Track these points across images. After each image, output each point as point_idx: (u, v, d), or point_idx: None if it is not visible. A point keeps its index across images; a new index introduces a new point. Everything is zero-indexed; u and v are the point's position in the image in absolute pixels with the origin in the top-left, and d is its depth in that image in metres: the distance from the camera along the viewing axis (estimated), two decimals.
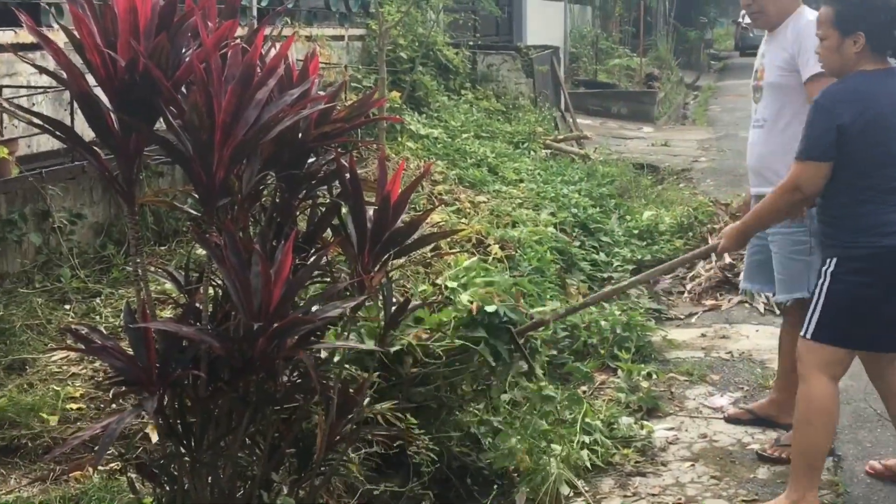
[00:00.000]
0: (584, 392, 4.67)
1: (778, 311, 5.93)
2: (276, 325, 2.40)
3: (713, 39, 45.02)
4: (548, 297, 5.37)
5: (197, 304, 2.60)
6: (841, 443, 4.15)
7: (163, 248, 5.19)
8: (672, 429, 4.36)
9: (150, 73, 2.35)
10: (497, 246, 5.46)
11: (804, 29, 3.86)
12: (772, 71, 3.98)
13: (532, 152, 9.14)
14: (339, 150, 2.96)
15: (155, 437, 3.04)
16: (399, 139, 7.76)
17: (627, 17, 24.74)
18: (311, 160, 2.92)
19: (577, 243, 6.70)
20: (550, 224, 6.60)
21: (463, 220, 6.08)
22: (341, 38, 8.55)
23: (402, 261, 4.46)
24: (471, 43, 10.61)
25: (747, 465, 3.97)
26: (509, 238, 5.70)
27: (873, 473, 3.83)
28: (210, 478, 2.62)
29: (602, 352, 5.10)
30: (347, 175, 2.86)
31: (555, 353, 4.88)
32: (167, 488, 2.70)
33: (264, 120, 2.48)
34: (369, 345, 3.06)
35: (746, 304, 6.14)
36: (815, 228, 3.81)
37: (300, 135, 2.78)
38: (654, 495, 3.73)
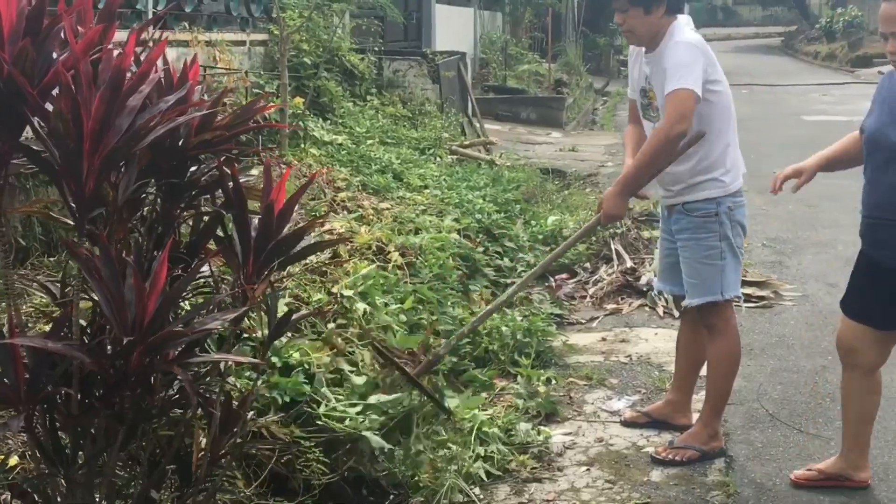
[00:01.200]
0: (485, 399, 4.67)
1: (677, 315, 6.03)
2: (149, 339, 2.33)
3: (622, 46, 45.73)
4: (448, 303, 5.36)
5: (71, 319, 2.51)
6: (733, 443, 4.22)
7: (52, 259, 5.03)
8: (569, 434, 4.38)
9: (15, 81, 2.26)
10: (397, 253, 5.42)
11: (671, 51, 3.95)
12: (661, 94, 4.01)
13: (438, 158, 9.13)
14: (229, 158, 2.91)
15: (13, 461, 2.92)
16: (302, 146, 7.67)
17: (537, 24, 24.96)
18: (193, 168, 2.87)
19: (481, 249, 6.69)
20: (454, 230, 6.59)
21: (365, 227, 6.02)
22: (243, 43, 8.43)
23: (293, 270, 4.42)
24: (377, 48, 10.55)
25: (641, 468, 4.01)
26: (410, 245, 5.66)
27: (800, 482, 3.84)
28: (85, 497, 2.53)
29: (502, 358, 5.11)
30: (230, 183, 2.80)
31: (455, 360, 4.87)
32: None
33: (137, 127, 2.41)
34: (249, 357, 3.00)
35: (647, 308, 6.22)
36: (724, 233, 3.93)
37: (180, 142, 2.72)
38: (548, 501, 3.74)
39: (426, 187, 7.80)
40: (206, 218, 2.92)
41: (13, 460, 3.07)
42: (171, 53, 7.07)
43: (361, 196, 6.90)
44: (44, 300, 3.99)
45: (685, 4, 4.24)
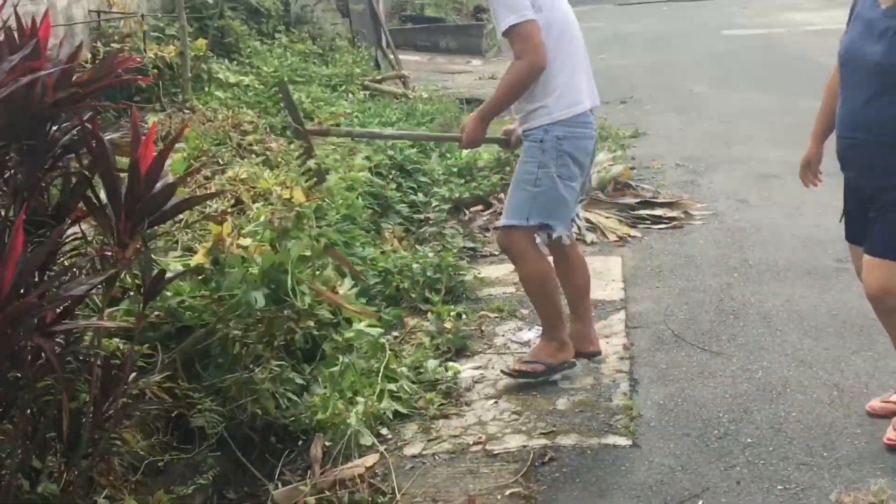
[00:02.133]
0: (395, 337, 4.67)
1: (588, 241, 6.06)
2: (7, 310, 2.26)
3: None
4: (358, 243, 5.32)
5: None
6: (638, 366, 4.27)
7: None
8: (479, 367, 4.39)
9: None
10: (303, 196, 5.33)
11: None
12: (498, 30, 4.01)
13: (350, 95, 9.00)
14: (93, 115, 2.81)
15: None
16: (207, 89, 7.51)
17: None
18: (55, 128, 2.77)
19: (394, 186, 6.64)
20: (364, 168, 6.51)
21: (272, 170, 5.92)
22: None
23: (191, 221, 4.33)
24: None
25: (548, 398, 4.04)
26: (316, 188, 5.58)
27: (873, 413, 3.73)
28: None
29: (413, 296, 5.09)
30: (93, 141, 2.71)
31: (364, 300, 4.84)
32: None
33: None
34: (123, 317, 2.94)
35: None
36: (543, 161, 3.94)
37: (36, 101, 2.62)
38: (455, 437, 3.76)
39: (338, 125, 7.69)
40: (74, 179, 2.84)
41: None
42: (60, 1, 6.86)
43: (269, 139, 6.78)
44: None
45: None
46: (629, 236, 6.13)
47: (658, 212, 6.46)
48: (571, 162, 4.01)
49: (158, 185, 2.76)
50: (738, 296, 5.01)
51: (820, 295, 4.96)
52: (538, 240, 4.19)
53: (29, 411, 2.64)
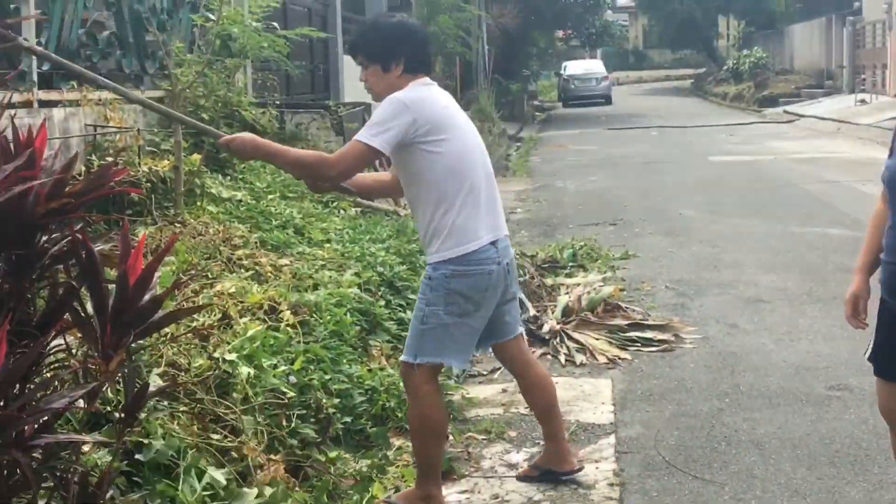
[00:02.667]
0: (381, 459, 4.56)
1: (578, 362, 6.02)
2: None
3: (538, 91, 46.55)
4: (345, 361, 5.26)
5: None
6: (628, 493, 4.18)
7: None
8: (465, 491, 4.29)
9: None
10: (289, 311, 5.30)
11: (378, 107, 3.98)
12: None
13: (342, 211, 9.04)
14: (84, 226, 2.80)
15: None
16: (199, 203, 7.53)
17: (448, 72, 25.15)
18: (45, 238, 2.75)
19: (383, 303, 6.61)
20: (354, 285, 6.49)
21: (259, 285, 5.90)
22: None
23: (177, 335, 4.28)
24: (278, 102, 10.47)
25: None
26: (305, 302, 5.55)
27: None
28: None
29: (399, 415, 5.01)
30: (83, 252, 2.69)
31: (350, 419, 4.76)
32: None
33: None
34: (104, 435, 2.87)
35: (549, 356, 6.19)
36: (431, 299, 3.95)
37: (27, 211, 2.61)
38: None
39: (328, 241, 7.71)
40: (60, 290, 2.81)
41: None
42: (58, 114, 6.93)
43: (259, 253, 6.77)
44: None
45: (427, 65, 4.11)
46: (619, 358, 6.08)
47: (648, 334, 6.43)
48: (462, 300, 3.93)
49: (146, 298, 2.73)
50: (730, 422, 4.94)
51: (813, 423, 4.89)
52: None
53: None
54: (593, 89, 40.99)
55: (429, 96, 3.98)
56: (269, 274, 6.35)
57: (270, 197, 8.37)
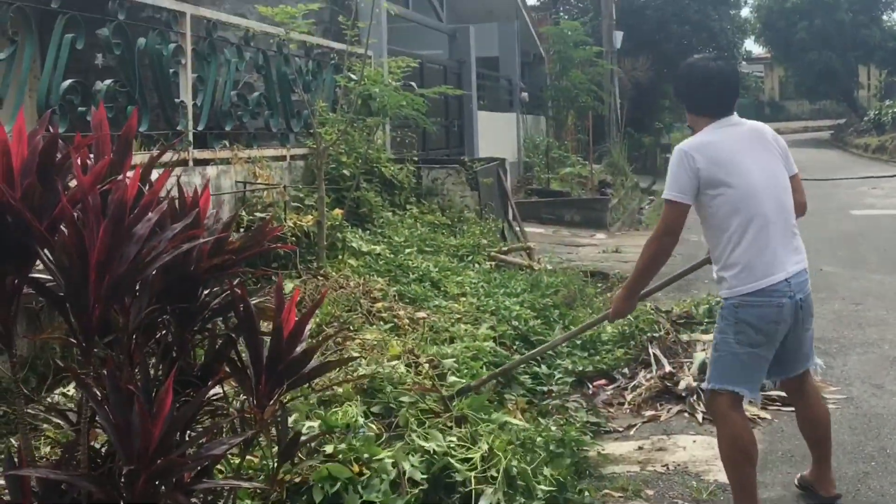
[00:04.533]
0: None
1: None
2: (152, 466, 2.35)
3: (671, 143, 46.06)
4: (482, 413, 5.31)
5: (79, 446, 2.54)
6: None
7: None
8: None
9: (24, 216, 2.34)
10: (428, 364, 5.41)
11: None
12: None
13: (476, 265, 9.16)
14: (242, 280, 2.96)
15: None
16: (340, 257, 7.77)
17: (580, 126, 25.22)
18: (206, 292, 2.92)
19: (517, 357, 6.66)
20: (489, 338, 6.58)
21: (398, 338, 6.04)
22: (283, 158, 8.62)
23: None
24: (415, 158, 10.73)
25: None
26: (442, 355, 5.66)
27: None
28: None
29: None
30: (241, 306, 2.85)
31: None
32: None
33: (142, 255, 2.46)
34: (260, 482, 3.00)
35: (685, 414, 6.10)
36: (722, 327, 4.24)
37: (191, 267, 2.78)
38: None
39: (464, 295, 7.82)
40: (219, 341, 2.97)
41: None
42: (211, 171, 7.28)
43: (397, 306, 6.94)
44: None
45: (726, 107, 4.33)
46: (759, 418, 5.96)
47: None
48: (751, 330, 4.12)
49: (298, 349, 2.87)
50: (877, 486, 4.79)
51: None
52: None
53: None
54: None
55: (713, 140, 4.20)
56: (407, 326, 6.49)
57: (408, 251, 8.55)
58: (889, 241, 13.28)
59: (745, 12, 42.91)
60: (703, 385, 4.34)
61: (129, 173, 2.71)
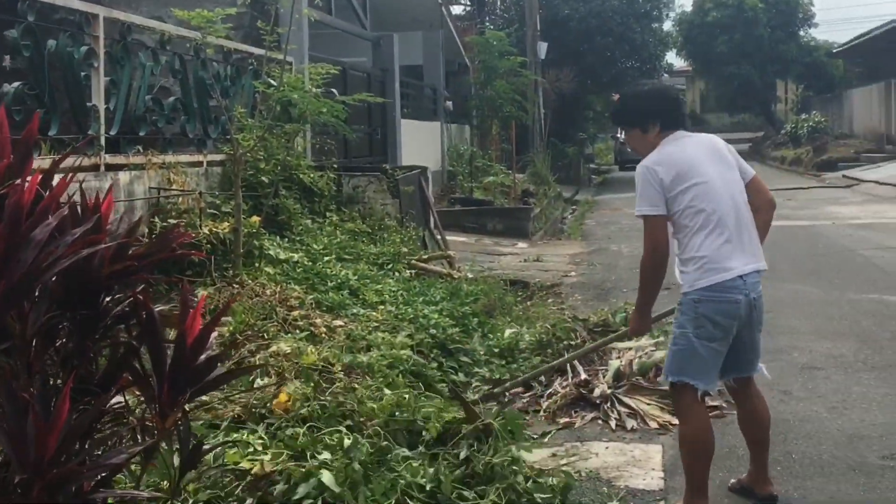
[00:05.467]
0: None
1: (629, 427, 6.00)
2: (48, 476, 2.30)
3: (594, 154, 46.69)
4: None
5: None
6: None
7: None
8: None
9: None
10: (341, 373, 5.39)
11: None
12: None
13: (396, 273, 9.17)
14: (146, 287, 2.91)
15: None
16: (257, 265, 7.70)
17: (505, 135, 25.41)
18: (108, 299, 2.87)
19: (435, 365, 6.68)
20: (407, 346, 6.58)
21: (313, 346, 6.00)
22: (199, 164, 8.53)
23: (234, 396, 4.39)
24: (335, 166, 10.70)
25: None
26: (357, 364, 5.64)
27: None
28: None
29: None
30: (143, 312, 2.81)
31: None
32: None
33: (40, 260, 2.41)
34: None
35: (599, 421, 6.18)
36: (681, 322, 4.47)
37: (93, 273, 2.73)
38: None
39: (383, 303, 7.82)
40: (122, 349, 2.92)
41: None
42: (124, 177, 7.17)
43: (315, 314, 6.91)
44: None
45: (678, 121, 4.63)
46: (670, 424, 6.05)
47: None
48: (710, 324, 4.33)
49: (202, 357, 2.84)
50: (781, 490, 4.89)
51: (866, 493, 4.83)
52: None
53: None
54: None
55: (672, 151, 4.45)
56: (324, 335, 6.46)
57: (326, 259, 8.53)
58: (802, 251, 13.62)
59: (668, 26, 43.63)
60: (661, 378, 4.58)
61: (30, 178, 2.65)
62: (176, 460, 2.80)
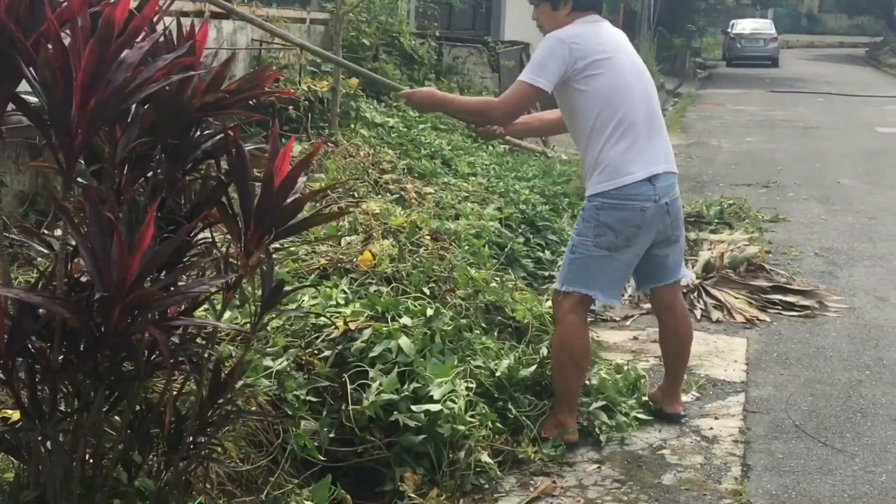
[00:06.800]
0: None
1: (714, 318, 5.88)
2: (127, 298, 2.29)
3: (701, 48, 45.18)
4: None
5: (55, 272, 2.49)
6: (752, 452, 4.09)
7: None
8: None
9: (6, 26, 2.24)
10: (429, 237, 5.34)
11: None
12: None
13: (490, 147, 9.03)
14: (236, 123, 2.86)
15: (15, 415, 2.91)
16: (353, 126, 7.65)
17: (611, 20, 24.64)
18: (199, 132, 2.83)
19: (522, 240, 6.59)
20: (495, 219, 6.50)
21: (405, 210, 5.96)
22: (303, 20, 8.43)
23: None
24: (437, 34, 10.48)
25: (654, 471, 3.89)
26: (445, 230, 5.58)
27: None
28: (62, 455, 2.51)
29: None
30: (234, 149, 2.76)
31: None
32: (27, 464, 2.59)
33: (131, 80, 2.37)
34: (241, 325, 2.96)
35: None
36: (580, 229, 4.08)
37: (185, 103, 2.68)
38: (553, 496, 3.65)
39: (474, 175, 7.73)
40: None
41: (15, 414, 3.06)
42: (227, 26, 7.12)
43: (406, 179, 6.85)
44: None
45: (596, 4, 4.19)
46: (757, 319, 5.92)
47: (791, 298, 6.23)
48: (611, 233, 3.95)
49: (289, 200, 2.79)
50: (869, 394, 4.76)
51: None
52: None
53: (137, 406, 2.68)
54: (760, 50, 39.31)
55: (587, 32, 3.99)
56: (413, 200, 6.41)
57: (422, 126, 8.43)
58: None
59: None
60: (555, 285, 4.17)
61: None
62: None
